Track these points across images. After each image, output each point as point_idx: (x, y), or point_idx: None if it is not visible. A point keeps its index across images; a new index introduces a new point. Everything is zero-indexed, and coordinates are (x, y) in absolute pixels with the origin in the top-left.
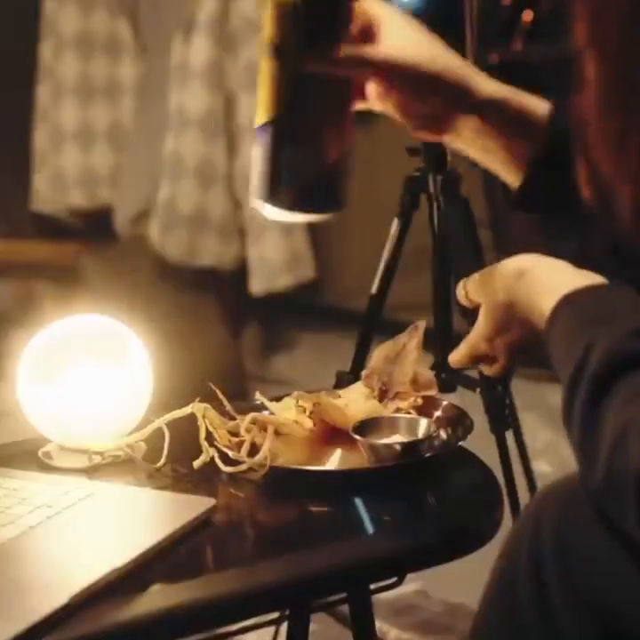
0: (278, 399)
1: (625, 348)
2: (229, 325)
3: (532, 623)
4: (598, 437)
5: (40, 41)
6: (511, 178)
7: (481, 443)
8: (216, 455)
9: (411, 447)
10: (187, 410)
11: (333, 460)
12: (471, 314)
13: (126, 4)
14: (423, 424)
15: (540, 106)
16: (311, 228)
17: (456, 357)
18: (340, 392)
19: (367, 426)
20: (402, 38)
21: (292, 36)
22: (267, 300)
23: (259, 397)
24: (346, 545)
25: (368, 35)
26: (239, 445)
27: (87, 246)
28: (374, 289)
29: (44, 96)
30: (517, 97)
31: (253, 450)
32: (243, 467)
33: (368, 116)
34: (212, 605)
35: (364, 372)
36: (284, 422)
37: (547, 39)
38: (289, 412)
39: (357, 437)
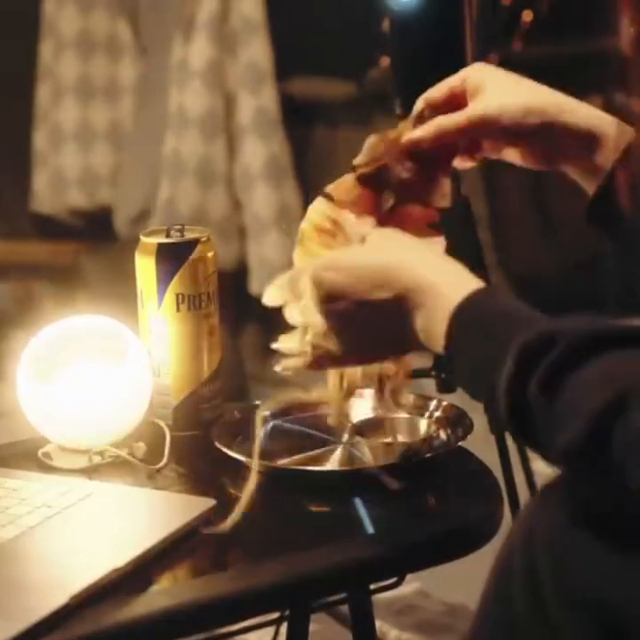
0: None
1: (600, 328)
2: (229, 325)
3: (529, 626)
4: (577, 398)
5: (40, 41)
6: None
7: (481, 443)
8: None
9: (411, 447)
10: None
11: (333, 460)
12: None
13: (126, 4)
14: (423, 424)
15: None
16: None
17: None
18: None
19: (367, 426)
20: (495, 96)
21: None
22: None
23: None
24: (346, 545)
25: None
26: None
27: (87, 246)
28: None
29: (44, 96)
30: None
31: None
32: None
33: (367, 116)
34: (211, 605)
35: None
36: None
37: (547, 39)
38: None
39: (357, 437)
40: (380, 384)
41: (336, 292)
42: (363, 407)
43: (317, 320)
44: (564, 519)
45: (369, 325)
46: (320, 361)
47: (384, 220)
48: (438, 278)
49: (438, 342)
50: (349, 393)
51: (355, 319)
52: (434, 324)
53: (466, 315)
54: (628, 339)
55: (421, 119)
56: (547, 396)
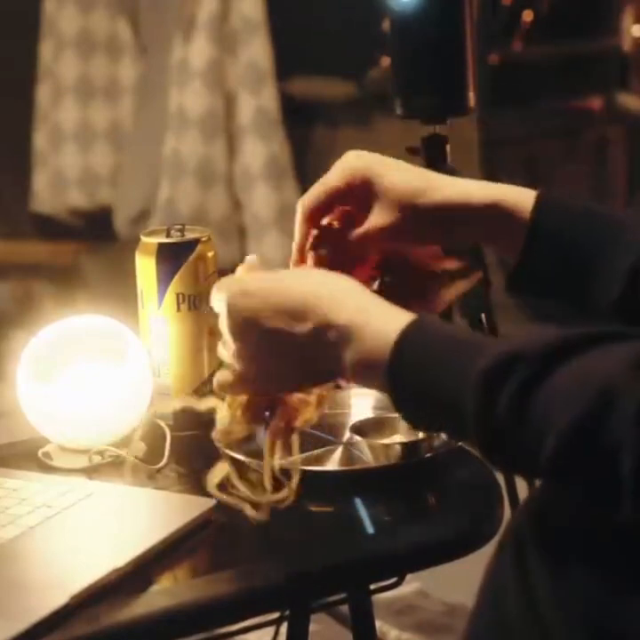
0: None
1: (556, 338)
2: None
3: (521, 626)
4: (555, 406)
5: (40, 41)
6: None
7: None
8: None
9: (411, 447)
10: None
11: (333, 460)
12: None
13: (126, 3)
14: None
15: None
16: None
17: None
18: None
19: (367, 426)
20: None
21: None
22: None
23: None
24: (346, 545)
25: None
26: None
27: (87, 246)
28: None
29: (44, 96)
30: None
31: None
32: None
33: (367, 116)
34: (211, 605)
35: None
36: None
37: (547, 39)
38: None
39: (357, 437)
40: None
41: (251, 319)
42: (363, 407)
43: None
44: (555, 520)
45: (285, 354)
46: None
47: None
48: (367, 309)
49: (374, 374)
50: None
51: (270, 347)
52: (368, 356)
53: (412, 342)
54: (585, 343)
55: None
56: (518, 413)
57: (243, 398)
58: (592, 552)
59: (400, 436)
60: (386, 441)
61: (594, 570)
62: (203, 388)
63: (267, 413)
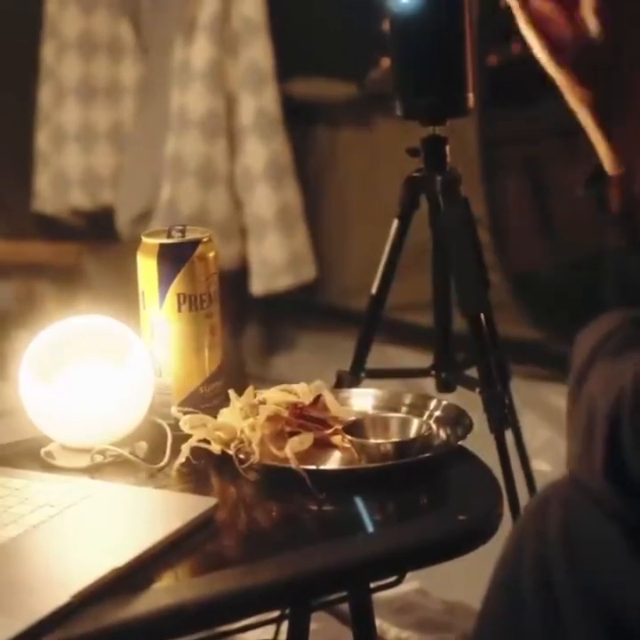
0: None
1: None
2: (230, 325)
3: (537, 624)
4: None
5: (42, 42)
6: None
7: (480, 442)
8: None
9: (401, 447)
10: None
11: (333, 460)
12: None
13: (128, 5)
14: (415, 424)
15: None
16: (312, 227)
17: None
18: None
19: (359, 426)
20: None
21: None
22: (267, 299)
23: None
24: (346, 544)
25: None
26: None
27: (89, 247)
28: (375, 288)
29: (46, 97)
30: None
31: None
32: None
33: (367, 116)
34: (213, 604)
35: None
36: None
37: None
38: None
39: (349, 437)
40: None
41: None
42: (359, 406)
43: None
44: (579, 520)
45: None
46: None
47: None
48: None
49: None
50: None
51: None
52: None
53: None
54: None
55: None
56: None
57: None
58: (612, 541)
59: (394, 435)
60: (381, 440)
61: (611, 559)
62: (203, 387)
63: None
